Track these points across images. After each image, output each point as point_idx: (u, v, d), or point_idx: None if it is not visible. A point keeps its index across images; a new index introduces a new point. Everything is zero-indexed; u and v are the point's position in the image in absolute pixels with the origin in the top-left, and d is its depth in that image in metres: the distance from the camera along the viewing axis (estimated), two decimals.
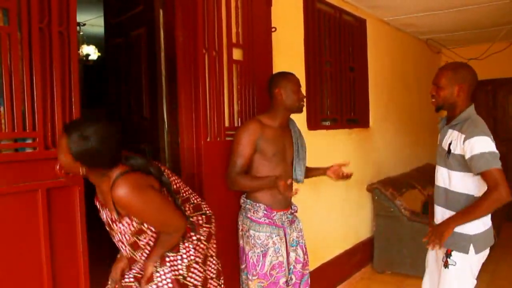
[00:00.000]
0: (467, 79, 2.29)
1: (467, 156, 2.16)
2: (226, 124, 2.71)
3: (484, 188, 2.17)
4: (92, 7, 5.17)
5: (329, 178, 2.77)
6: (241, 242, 2.54)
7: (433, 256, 2.54)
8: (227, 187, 2.51)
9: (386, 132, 5.00)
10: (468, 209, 2.17)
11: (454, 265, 2.26)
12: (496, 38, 5.68)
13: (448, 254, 2.28)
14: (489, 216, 2.29)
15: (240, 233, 2.55)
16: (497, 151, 2.15)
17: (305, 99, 2.63)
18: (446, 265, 2.29)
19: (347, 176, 2.70)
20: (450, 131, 2.34)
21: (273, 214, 2.51)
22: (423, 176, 5.06)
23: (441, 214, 2.37)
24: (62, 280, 1.96)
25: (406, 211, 4.10)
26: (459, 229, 2.22)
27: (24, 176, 1.83)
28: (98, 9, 4.62)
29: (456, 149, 2.24)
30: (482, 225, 2.26)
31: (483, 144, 2.13)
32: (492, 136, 2.19)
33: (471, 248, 2.23)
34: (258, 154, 2.48)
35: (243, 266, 2.54)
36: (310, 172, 2.83)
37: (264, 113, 2.61)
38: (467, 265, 2.27)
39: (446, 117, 2.46)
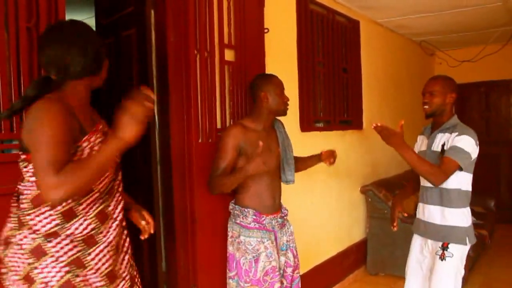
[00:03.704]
0: (455, 90, 2.55)
1: (450, 144, 2.40)
2: (218, 125, 2.69)
3: (469, 183, 2.48)
4: (83, 7, 5.14)
5: (325, 163, 2.73)
6: (230, 248, 2.49)
7: (416, 256, 2.66)
8: (209, 192, 2.47)
9: None
10: (416, 155, 2.36)
11: (451, 257, 2.43)
12: (489, 40, 5.70)
13: (444, 247, 2.44)
14: (470, 214, 2.54)
15: (230, 239, 2.51)
16: (473, 156, 2.40)
17: (296, 104, 2.61)
18: (443, 257, 2.44)
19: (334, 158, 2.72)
20: (440, 135, 2.53)
21: (263, 219, 2.47)
22: (417, 178, 5.05)
23: (439, 212, 2.52)
24: None
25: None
26: (456, 223, 2.46)
27: (11, 178, 1.80)
28: (90, 10, 4.58)
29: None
30: (468, 220, 2.51)
31: (467, 144, 2.37)
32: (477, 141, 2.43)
33: (467, 239, 2.45)
34: (243, 159, 2.43)
35: (232, 273, 2.48)
36: (305, 163, 2.81)
37: (247, 116, 2.59)
38: (461, 255, 2.46)
39: (431, 125, 2.67)
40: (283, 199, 2.67)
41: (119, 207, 1.73)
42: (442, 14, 4.56)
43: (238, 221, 2.48)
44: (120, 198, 1.74)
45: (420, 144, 2.72)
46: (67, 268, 1.53)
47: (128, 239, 1.80)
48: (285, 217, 2.65)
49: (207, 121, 2.60)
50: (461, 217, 2.47)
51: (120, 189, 1.76)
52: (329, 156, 2.69)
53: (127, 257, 1.78)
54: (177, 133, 2.56)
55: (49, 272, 1.52)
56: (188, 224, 2.54)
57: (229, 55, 2.78)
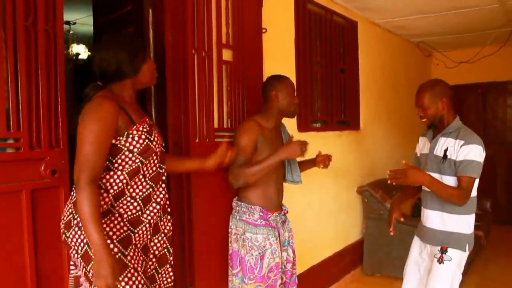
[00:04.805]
0: (446, 93, 2.48)
1: (459, 158, 2.35)
2: (215, 125, 2.69)
3: (475, 188, 2.41)
4: (82, 5, 5.13)
5: (318, 167, 2.83)
6: (235, 246, 2.50)
7: (415, 258, 2.65)
8: (231, 185, 2.48)
9: (376, 134, 5.01)
10: (442, 184, 2.37)
11: (450, 261, 2.41)
12: (487, 42, 5.72)
13: (443, 251, 2.43)
14: (474, 222, 2.50)
15: (234, 236, 2.51)
16: (482, 162, 2.37)
17: (298, 104, 2.63)
18: (441, 260, 2.42)
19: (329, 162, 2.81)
20: (443, 139, 2.48)
21: (269, 216, 2.51)
22: None
23: (439, 217, 2.50)
24: (46, 282, 1.92)
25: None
26: (456, 229, 2.43)
27: (8, 177, 1.80)
28: (88, 8, 4.57)
29: (453, 155, 2.40)
30: (470, 227, 2.47)
31: (477, 153, 2.34)
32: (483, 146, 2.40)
33: (467, 246, 2.42)
34: (255, 155, 2.47)
35: (236, 271, 2.49)
36: (300, 167, 2.84)
37: (258, 114, 2.60)
38: (459, 260, 2.44)
39: (433, 127, 2.60)
40: None
41: (163, 193, 1.98)
42: (439, 15, 4.57)
43: (244, 218, 2.49)
44: (164, 185, 1.99)
45: (422, 146, 2.68)
46: (117, 247, 1.77)
47: (170, 224, 2.07)
48: (286, 214, 2.69)
49: (205, 121, 2.59)
50: (463, 223, 2.44)
51: (164, 177, 2.00)
52: (324, 161, 2.78)
53: (164, 237, 2.04)
54: (174, 133, 2.55)
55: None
56: (185, 224, 2.53)
57: (227, 55, 2.78)
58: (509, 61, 6.18)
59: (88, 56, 6.45)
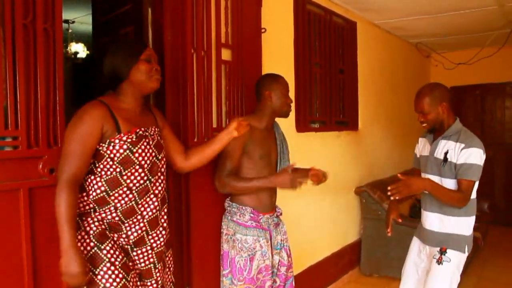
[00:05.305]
0: (445, 97, 2.46)
1: (459, 162, 2.36)
2: (214, 125, 2.69)
3: (475, 191, 2.43)
4: (81, 4, 5.13)
5: (310, 182, 2.64)
6: (225, 246, 2.50)
7: (413, 259, 2.65)
8: (216, 189, 2.47)
9: (375, 134, 5.01)
10: (443, 188, 2.39)
11: (449, 262, 2.42)
12: (485, 43, 5.72)
13: (443, 252, 2.44)
14: (473, 223, 2.51)
15: (225, 237, 2.51)
16: (482, 165, 2.38)
17: (292, 104, 2.62)
18: (440, 261, 2.43)
19: (324, 180, 2.63)
20: (444, 141, 2.48)
21: (260, 217, 2.49)
22: None
23: (438, 219, 2.51)
24: (44, 282, 1.92)
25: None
26: (456, 231, 2.44)
27: (6, 175, 1.79)
28: (87, 7, 4.57)
29: (453, 158, 2.40)
30: (470, 229, 2.48)
31: (477, 157, 2.35)
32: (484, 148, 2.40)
33: (466, 248, 2.44)
34: (245, 157, 2.46)
35: (226, 271, 2.48)
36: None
37: (251, 114, 2.59)
38: (458, 262, 2.45)
39: (432, 130, 2.59)
40: (279, 200, 2.67)
41: (151, 206, 1.94)
42: (438, 16, 4.58)
43: (234, 219, 2.48)
44: (155, 199, 1.95)
45: (422, 148, 2.68)
46: (93, 242, 1.82)
47: (162, 239, 2.01)
48: (279, 216, 2.67)
49: (203, 120, 2.59)
50: (462, 225, 2.44)
51: (156, 191, 1.96)
52: (317, 176, 2.60)
53: (151, 252, 1.97)
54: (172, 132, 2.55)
55: (81, 244, 1.81)
56: (183, 224, 2.53)
57: (226, 54, 2.77)
58: (507, 62, 6.19)
59: (87, 55, 6.44)
